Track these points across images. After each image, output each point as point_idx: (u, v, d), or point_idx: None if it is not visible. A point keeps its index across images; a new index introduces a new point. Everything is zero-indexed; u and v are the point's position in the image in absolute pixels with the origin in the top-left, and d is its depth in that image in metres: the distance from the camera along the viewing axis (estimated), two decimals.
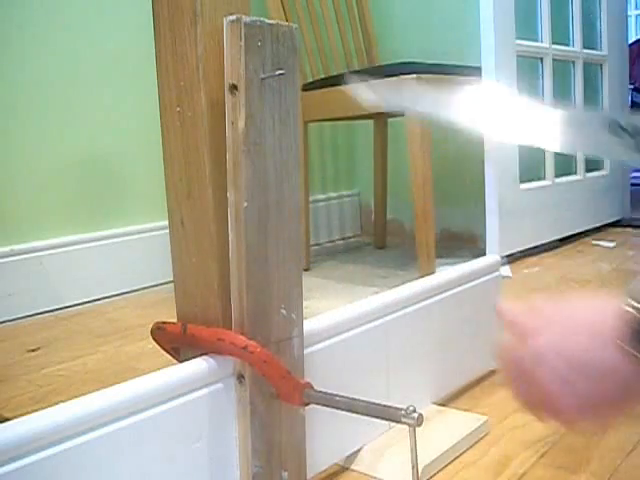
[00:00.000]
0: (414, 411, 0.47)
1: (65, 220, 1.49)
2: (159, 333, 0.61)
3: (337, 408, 0.52)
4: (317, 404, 0.54)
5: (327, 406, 0.53)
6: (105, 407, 0.48)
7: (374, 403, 0.50)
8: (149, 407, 0.51)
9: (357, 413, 0.51)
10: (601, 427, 0.47)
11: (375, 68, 1.68)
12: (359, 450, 0.72)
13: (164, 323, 0.61)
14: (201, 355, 0.57)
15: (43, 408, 0.47)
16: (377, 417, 0.49)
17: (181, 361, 0.62)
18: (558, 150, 0.47)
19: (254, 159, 0.54)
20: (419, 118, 1.40)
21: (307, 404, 0.56)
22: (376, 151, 1.95)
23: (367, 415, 0.50)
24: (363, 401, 0.51)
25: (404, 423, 0.47)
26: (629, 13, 5.14)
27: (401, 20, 2.04)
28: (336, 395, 0.53)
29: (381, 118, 1.89)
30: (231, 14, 0.53)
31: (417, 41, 2.01)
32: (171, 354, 0.63)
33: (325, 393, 0.54)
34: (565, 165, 2.02)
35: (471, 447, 0.75)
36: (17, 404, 0.92)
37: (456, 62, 1.60)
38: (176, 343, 0.61)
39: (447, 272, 0.87)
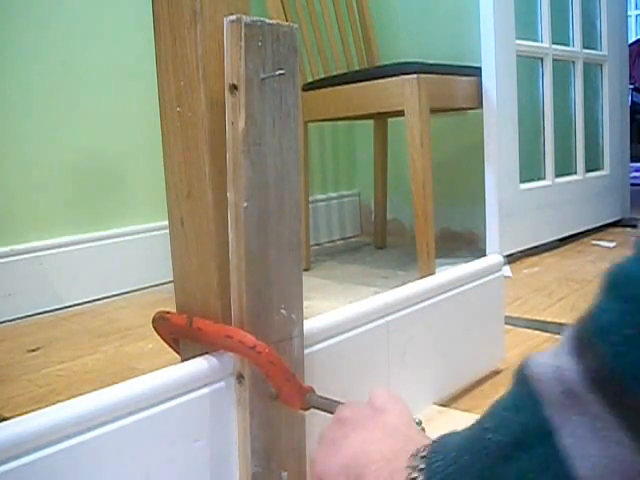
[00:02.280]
0: (418, 423, 0.47)
1: (65, 220, 1.49)
2: (161, 322, 0.61)
3: None
4: (318, 409, 0.54)
5: (328, 412, 0.53)
6: (104, 407, 0.48)
7: None
8: (149, 407, 0.51)
9: None
10: None
11: (375, 68, 1.69)
12: None
13: (168, 313, 0.61)
14: (202, 350, 0.57)
15: (43, 408, 0.47)
16: None
17: (180, 354, 0.62)
18: None
19: (254, 159, 0.54)
20: (419, 118, 1.40)
21: (307, 409, 0.55)
22: (376, 151, 1.95)
23: None
24: None
25: None
26: (629, 13, 5.15)
27: (401, 20, 2.04)
28: (338, 402, 0.53)
29: (381, 118, 1.89)
30: (231, 14, 0.53)
31: (417, 41, 2.01)
32: (170, 344, 0.63)
33: (326, 399, 0.54)
34: (565, 165, 2.02)
35: None
36: (17, 404, 0.92)
37: (456, 62, 1.60)
38: (179, 335, 0.61)
39: (450, 272, 0.87)
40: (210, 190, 0.56)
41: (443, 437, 0.38)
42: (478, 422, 0.34)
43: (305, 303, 0.60)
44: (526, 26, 1.82)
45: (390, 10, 2.05)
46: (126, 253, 1.57)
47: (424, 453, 0.37)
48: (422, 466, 0.37)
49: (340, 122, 2.12)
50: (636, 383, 0.25)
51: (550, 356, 0.29)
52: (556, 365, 0.28)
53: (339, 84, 1.55)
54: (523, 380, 0.30)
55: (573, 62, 2.04)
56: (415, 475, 0.37)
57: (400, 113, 1.44)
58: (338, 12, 1.78)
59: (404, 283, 0.82)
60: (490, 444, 0.31)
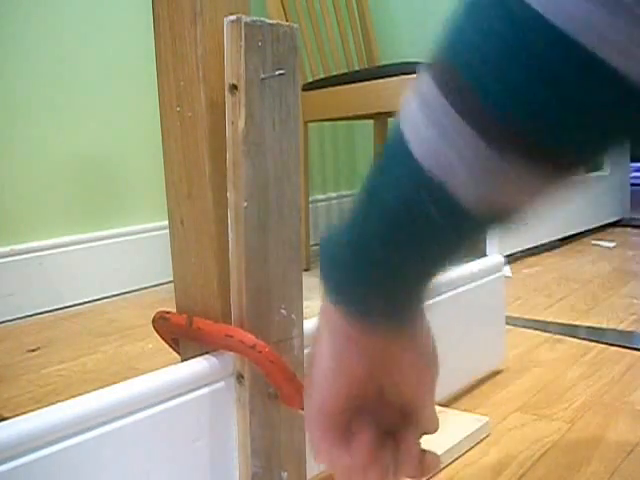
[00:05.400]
0: None
1: (65, 220, 1.49)
2: (162, 323, 0.61)
3: None
4: None
5: None
6: (104, 406, 0.48)
7: None
8: (149, 406, 0.51)
9: None
10: None
11: (375, 68, 1.68)
12: None
13: (168, 313, 0.61)
14: (202, 350, 0.57)
15: (43, 408, 0.47)
16: None
17: (180, 354, 0.62)
18: None
19: (254, 159, 0.54)
20: None
21: None
22: (376, 151, 1.94)
23: None
24: None
25: None
26: None
27: (401, 20, 2.04)
28: None
29: (381, 118, 1.89)
30: (231, 14, 0.53)
31: (417, 41, 2.01)
32: (170, 345, 0.63)
33: None
34: None
35: (472, 447, 0.75)
36: (17, 404, 0.92)
37: None
38: (179, 335, 0.61)
39: (450, 272, 0.87)
40: (210, 190, 0.56)
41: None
42: None
43: (305, 303, 0.60)
44: None
45: (390, 10, 2.05)
46: (126, 253, 1.57)
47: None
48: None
49: (340, 122, 2.12)
50: (468, 71, 0.26)
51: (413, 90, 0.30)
52: (417, 90, 0.29)
53: (339, 84, 1.55)
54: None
55: None
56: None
57: None
58: (338, 12, 1.78)
59: None
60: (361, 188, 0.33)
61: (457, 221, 0.29)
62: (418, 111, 0.28)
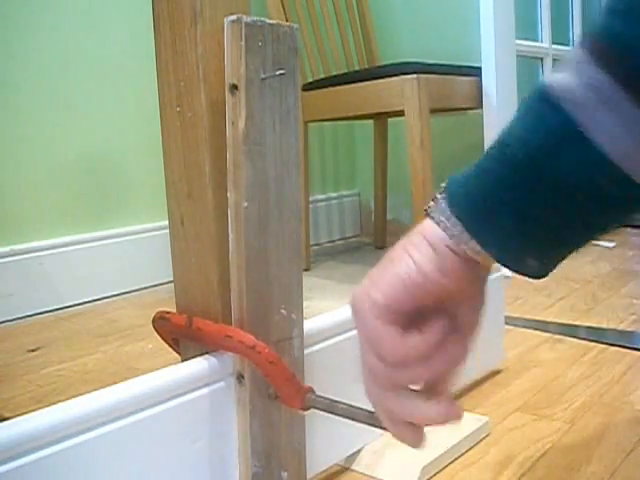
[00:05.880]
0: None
1: (65, 220, 1.49)
2: (162, 323, 0.61)
3: (338, 415, 0.52)
4: (318, 409, 0.54)
5: (328, 412, 0.53)
6: (104, 407, 0.48)
7: (375, 412, 0.50)
8: (148, 407, 0.51)
9: (358, 421, 0.51)
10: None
11: (375, 68, 1.68)
12: (359, 450, 0.72)
13: (168, 313, 0.61)
14: (202, 350, 0.57)
15: (43, 408, 0.47)
16: (378, 427, 0.49)
17: (180, 354, 0.62)
18: None
19: (254, 159, 0.54)
20: (419, 118, 1.40)
21: (308, 409, 0.55)
22: (376, 151, 1.95)
23: (368, 424, 0.50)
24: (364, 410, 0.50)
25: None
26: None
27: (401, 20, 2.04)
28: (338, 402, 0.53)
29: (381, 118, 1.89)
30: (231, 14, 0.53)
31: (417, 41, 2.01)
32: (170, 345, 0.63)
33: (326, 399, 0.54)
34: None
35: (471, 448, 0.75)
36: (17, 404, 0.92)
37: (456, 62, 1.60)
38: (179, 335, 0.61)
39: None
40: (210, 190, 0.56)
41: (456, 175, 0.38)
42: (487, 152, 0.35)
43: (305, 303, 0.60)
44: (526, 26, 1.82)
45: (390, 10, 2.05)
46: (126, 253, 1.57)
47: (442, 187, 0.38)
48: (441, 191, 0.38)
49: (340, 122, 2.12)
50: None
51: (568, 75, 0.31)
52: (585, 79, 0.30)
53: (339, 84, 1.55)
54: (543, 99, 0.32)
55: None
56: (437, 197, 0.38)
57: (400, 113, 1.44)
58: (338, 12, 1.78)
59: None
60: (512, 155, 0.33)
61: (631, 194, 0.31)
62: (590, 96, 0.30)
